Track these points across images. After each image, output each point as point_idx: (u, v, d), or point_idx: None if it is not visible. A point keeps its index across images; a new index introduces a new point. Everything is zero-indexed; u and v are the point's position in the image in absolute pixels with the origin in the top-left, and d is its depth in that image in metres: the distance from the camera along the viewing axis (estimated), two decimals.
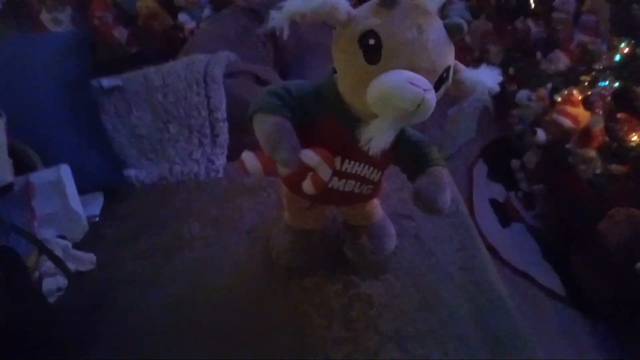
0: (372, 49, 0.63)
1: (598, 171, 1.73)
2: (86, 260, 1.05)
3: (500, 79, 0.71)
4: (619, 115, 1.68)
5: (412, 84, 0.59)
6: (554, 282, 1.74)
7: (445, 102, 0.73)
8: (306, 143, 0.73)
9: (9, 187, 1.09)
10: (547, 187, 1.96)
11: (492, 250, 1.87)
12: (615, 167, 1.68)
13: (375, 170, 0.80)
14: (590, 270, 1.65)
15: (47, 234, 1.08)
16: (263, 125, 0.68)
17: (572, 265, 1.70)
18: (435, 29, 0.65)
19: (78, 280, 0.99)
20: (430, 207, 0.71)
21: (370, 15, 0.65)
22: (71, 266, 1.01)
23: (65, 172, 1.14)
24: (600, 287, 1.61)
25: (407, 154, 0.77)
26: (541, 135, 1.97)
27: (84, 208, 1.15)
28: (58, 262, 0.96)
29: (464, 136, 0.74)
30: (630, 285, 1.53)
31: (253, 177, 0.73)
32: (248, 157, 0.73)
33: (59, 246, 1.04)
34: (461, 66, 0.71)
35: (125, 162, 1.30)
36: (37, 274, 0.97)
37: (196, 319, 0.90)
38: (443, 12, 0.69)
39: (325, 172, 0.73)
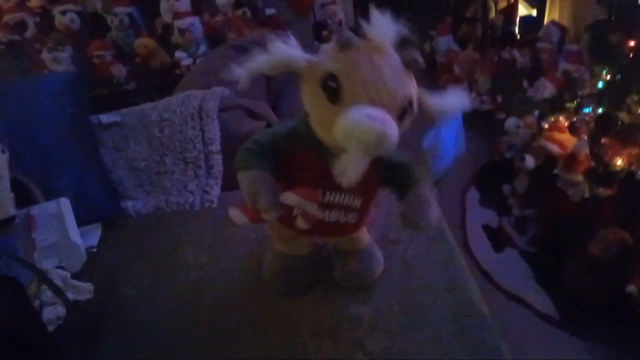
0: (333, 90, 0.68)
1: (586, 195, 1.77)
2: (84, 290, 1.07)
3: (467, 98, 0.76)
4: (603, 140, 1.72)
5: (371, 119, 0.64)
6: (547, 306, 1.75)
7: (420, 130, 0.79)
8: (289, 180, 0.79)
9: (11, 219, 1.12)
10: (538, 211, 2.00)
11: (486, 275, 1.89)
12: (602, 191, 1.72)
13: (357, 198, 0.83)
14: (582, 292, 1.67)
15: (47, 264, 1.11)
16: (242, 181, 0.75)
17: (564, 288, 1.72)
18: (391, 64, 0.70)
19: (76, 309, 1.02)
20: (418, 226, 0.76)
21: (329, 59, 0.70)
22: (70, 296, 1.04)
23: (65, 205, 1.18)
24: (591, 306, 1.63)
25: (390, 176, 0.81)
26: (530, 161, 2.01)
27: (83, 239, 1.18)
28: (58, 291, 0.98)
29: (455, 153, 0.77)
30: (621, 306, 1.55)
31: (242, 224, 0.80)
32: (233, 213, 0.80)
33: (58, 276, 1.07)
34: (426, 94, 0.75)
35: (123, 193, 1.34)
36: (37, 302, 1.00)
37: (190, 339, 0.93)
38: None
39: (312, 208, 0.78)
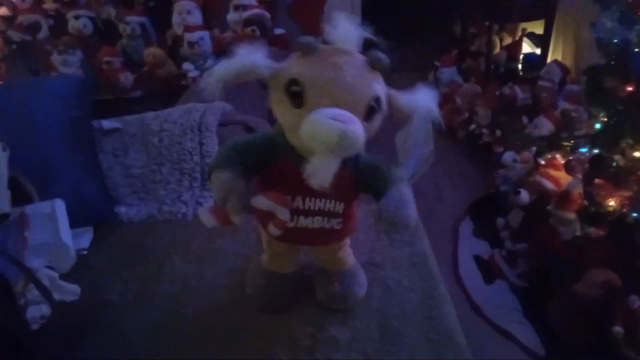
0: (296, 95, 0.70)
1: (577, 233, 1.78)
2: (71, 292, 1.08)
3: (436, 96, 0.78)
4: (596, 181, 1.74)
5: (333, 119, 0.66)
6: (533, 341, 1.75)
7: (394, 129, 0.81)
8: (268, 187, 0.80)
9: (5, 217, 1.14)
10: (530, 246, 2.01)
11: (475, 307, 1.89)
12: (593, 230, 1.73)
13: (338, 203, 0.84)
14: (566, 330, 1.67)
15: (36, 263, 1.12)
16: (214, 182, 0.77)
17: (549, 325, 1.72)
18: (354, 64, 0.72)
19: (61, 310, 1.03)
20: (395, 223, 0.76)
21: (292, 65, 0.73)
22: (56, 296, 1.04)
23: (59, 206, 1.19)
24: (576, 345, 1.63)
25: (367, 180, 0.82)
26: (524, 195, 2.03)
27: (74, 241, 1.19)
28: (44, 291, 0.99)
29: (424, 153, 0.78)
30: (606, 346, 1.55)
31: (211, 227, 0.81)
32: (203, 215, 0.81)
33: (46, 276, 1.08)
34: (396, 93, 0.78)
35: (117, 199, 1.36)
36: (23, 301, 1.00)
37: (170, 349, 0.94)
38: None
39: (282, 213, 0.79)
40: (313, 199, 0.82)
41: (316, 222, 0.85)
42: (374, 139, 0.77)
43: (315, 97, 0.69)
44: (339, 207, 0.85)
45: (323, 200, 0.83)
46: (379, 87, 0.75)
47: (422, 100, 0.77)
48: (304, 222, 0.84)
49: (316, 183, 0.68)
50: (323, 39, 0.75)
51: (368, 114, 0.73)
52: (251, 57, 0.73)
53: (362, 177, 0.82)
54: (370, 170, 0.82)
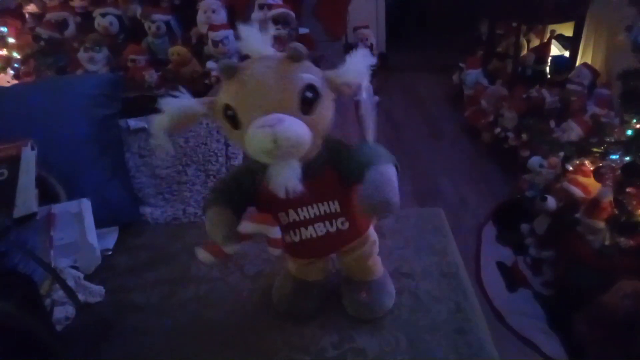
0: (233, 118, 0.70)
1: (606, 242, 1.74)
2: (95, 292, 1.09)
3: (371, 59, 0.74)
4: (628, 189, 1.70)
5: (260, 127, 0.64)
6: (558, 352, 1.71)
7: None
8: (265, 209, 0.81)
9: (32, 215, 1.14)
10: (556, 254, 1.96)
11: (497, 314, 1.86)
12: (624, 240, 1.68)
13: (331, 202, 0.82)
14: (593, 343, 1.63)
15: (62, 263, 1.13)
16: (206, 220, 0.80)
17: (575, 336, 1.68)
18: (270, 66, 0.71)
19: (86, 311, 1.03)
20: (374, 207, 0.70)
21: (222, 92, 0.73)
22: (81, 297, 1.05)
23: (85, 206, 1.20)
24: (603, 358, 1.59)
25: (348, 169, 0.79)
26: (551, 202, 1.99)
27: (99, 241, 1.20)
28: (69, 292, 1.00)
29: (372, 108, 0.76)
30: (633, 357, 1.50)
31: (209, 263, 0.82)
32: (200, 254, 0.82)
33: (71, 276, 1.09)
34: (331, 72, 0.75)
35: (143, 199, 1.36)
36: (49, 301, 1.01)
37: (195, 350, 0.94)
38: None
39: (272, 232, 0.79)
40: (305, 208, 0.81)
41: (319, 230, 0.84)
42: (344, 123, 0.74)
43: (245, 113, 0.69)
44: (335, 206, 0.82)
45: (315, 205, 0.81)
46: (309, 76, 0.71)
47: (359, 66, 0.74)
48: (306, 233, 0.83)
49: (284, 191, 0.67)
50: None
51: (306, 106, 0.70)
52: (179, 102, 0.73)
53: (343, 169, 0.80)
54: (348, 158, 0.79)
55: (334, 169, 0.79)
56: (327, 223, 0.84)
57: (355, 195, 0.79)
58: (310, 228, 0.83)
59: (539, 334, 1.78)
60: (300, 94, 0.69)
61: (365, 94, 0.80)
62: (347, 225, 0.85)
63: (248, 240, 0.79)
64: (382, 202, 0.70)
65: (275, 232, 0.79)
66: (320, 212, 0.82)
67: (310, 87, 0.71)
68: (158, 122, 0.73)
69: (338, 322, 0.95)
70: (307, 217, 0.82)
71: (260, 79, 0.69)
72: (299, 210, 0.81)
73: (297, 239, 0.84)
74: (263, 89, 0.69)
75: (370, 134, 0.85)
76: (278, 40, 2.30)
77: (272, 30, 0.77)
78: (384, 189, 0.71)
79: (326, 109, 0.74)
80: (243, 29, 0.74)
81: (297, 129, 0.66)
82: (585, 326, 1.66)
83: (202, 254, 0.81)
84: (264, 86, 0.69)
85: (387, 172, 0.73)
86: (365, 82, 0.76)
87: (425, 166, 2.77)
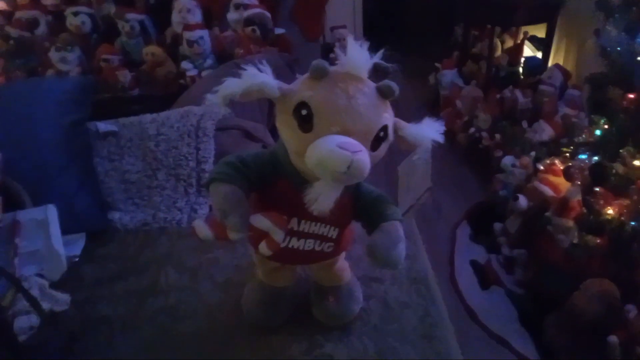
0: (305, 119, 0.69)
1: (575, 241, 1.77)
2: (61, 301, 1.06)
3: (442, 129, 0.77)
4: (595, 189, 1.73)
5: (341, 147, 0.64)
6: (529, 349, 1.74)
7: (395, 158, 0.79)
8: (264, 206, 0.79)
9: None
10: (528, 252, 2.00)
11: (470, 312, 1.88)
12: (592, 239, 1.72)
13: (333, 228, 0.83)
14: (563, 341, 1.66)
15: (27, 271, 1.10)
16: (216, 194, 0.74)
17: (546, 335, 1.71)
18: (365, 93, 0.71)
19: (51, 320, 1.01)
20: (383, 262, 0.75)
21: (302, 88, 0.72)
22: (46, 305, 1.02)
23: (51, 212, 1.18)
24: (572, 356, 1.62)
25: (365, 210, 0.82)
26: (523, 201, 2.01)
27: (66, 248, 1.18)
28: (33, 301, 0.97)
29: (420, 187, 0.79)
30: (603, 358, 1.54)
31: (205, 239, 0.78)
32: (198, 225, 0.78)
33: (36, 284, 1.06)
34: (403, 123, 0.77)
35: (112, 205, 1.34)
36: (10, 311, 0.99)
37: None
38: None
39: (277, 235, 0.78)
40: (308, 222, 0.81)
41: (308, 245, 0.84)
42: (376, 165, 0.75)
43: (324, 123, 0.68)
44: (333, 233, 0.84)
45: (318, 224, 0.82)
46: (388, 117, 0.74)
47: (428, 132, 0.76)
48: (296, 243, 0.83)
49: (317, 209, 0.67)
50: (333, 62, 0.74)
51: (375, 143, 0.71)
52: (259, 77, 0.72)
53: (360, 206, 0.81)
54: (369, 201, 0.81)
55: (351, 200, 0.80)
56: (317, 242, 0.84)
57: (350, 232, 0.86)
58: (302, 240, 0.83)
59: (511, 332, 1.81)
60: (377, 131, 0.71)
61: (418, 163, 0.79)
62: (331, 249, 0.87)
63: (251, 233, 0.76)
64: (394, 261, 0.74)
65: (279, 236, 0.78)
66: (318, 231, 0.83)
67: (385, 128, 0.72)
68: (232, 88, 0.71)
69: (307, 329, 0.95)
70: (305, 230, 0.82)
71: (352, 99, 0.69)
72: (302, 222, 0.81)
73: (283, 245, 0.82)
74: (351, 110, 0.68)
75: (402, 202, 0.85)
76: (253, 40, 2.29)
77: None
78: (397, 249, 0.74)
79: (384, 150, 0.75)
80: (353, 43, 0.73)
81: (368, 164, 0.67)
82: (555, 326, 1.69)
83: (203, 230, 0.78)
84: (353, 108, 0.69)
85: (400, 232, 0.77)
86: (426, 147, 0.77)
87: (388, 169, 2.78)
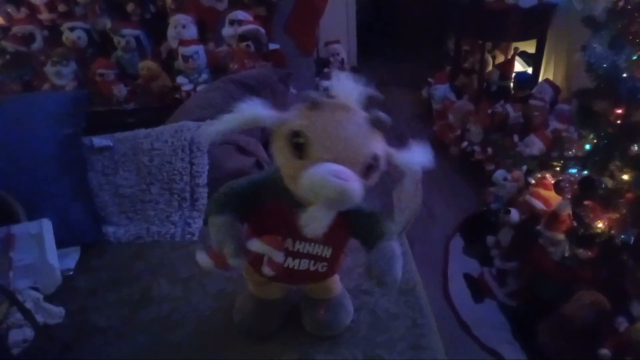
0: (299, 147, 0.72)
1: (566, 254, 1.79)
2: (55, 314, 1.07)
3: (430, 155, 0.80)
4: (585, 202, 1.75)
5: (334, 175, 0.67)
6: None
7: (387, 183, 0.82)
8: (260, 228, 0.82)
9: None
10: (520, 265, 2.01)
11: (463, 325, 1.89)
12: (582, 252, 1.73)
13: (326, 248, 0.86)
14: (555, 347, 1.67)
15: (21, 284, 1.11)
16: (212, 226, 0.80)
17: (539, 347, 1.73)
18: (357, 122, 0.74)
19: (45, 333, 1.02)
20: (381, 282, 0.78)
21: (297, 117, 0.74)
22: (40, 318, 1.03)
23: (46, 226, 1.19)
24: None
25: (360, 228, 0.84)
26: (515, 215, 2.04)
27: (60, 261, 1.19)
28: (27, 314, 0.98)
29: (412, 210, 0.81)
30: None
31: (208, 269, 0.83)
32: (200, 257, 0.83)
33: (30, 297, 1.07)
34: (393, 151, 0.79)
35: (105, 218, 1.35)
36: (4, 325, 0.99)
37: None
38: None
39: (277, 256, 0.81)
40: (303, 243, 0.84)
41: (302, 265, 0.87)
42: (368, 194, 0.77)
43: (317, 150, 0.70)
44: (327, 252, 0.86)
45: (313, 244, 0.84)
46: (379, 146, 0.76)
47: (418, 158, 0.79)
48: (291, 263, 0.86)
49: (310, 232, 0.69)
50: (326, 93, 0.77)
51: (366, 172, 0.74)
52: (253, 110, 0.75)
53: (355, 225, 0.84)
54: (364, 220, 0.83)
55: (344, 220, 0.81)
56: (312, 262, 0.87)
57: (341, 253, 0.89)
58: (296, 260, 0.86)
59: (504, 344, 1.81)
60: (369, 160, 0.73)
61: (408, 186, 0.81)
62: (325, 269, 0.89)
63: (249, 258, 0.80)
64: (392, 281, 0.78)
65: (279, 257, 0.81)
66: (312, 251, 0.85)
67: (376, 157, 0.74)
68: (228, 123, 0.75)
69: (298, 340, 0.97)
70: (300, 251, 0.85)
71: (344, 128, 0.72)
72: (297, 242, 0.84)
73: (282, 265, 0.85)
74: (343, 139, 0.71)
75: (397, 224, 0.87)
76: (247, 55, 2.33)
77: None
78: (395, 267, 0.78)
79: (375, 179, 0.77)
80: (341, 75, 0.77)
81: (360, 192, 0.69)
82: (547, 336, 1.71)
83: (204, 260, 0.82)
84: (345, 136, 0.71)
85: (397, 249, 0.80)
86: (417, 174, 0.80)
87: (382, 196, 2.80)
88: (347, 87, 0.76)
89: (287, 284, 0.98)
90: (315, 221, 0.69)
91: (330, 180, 0.66)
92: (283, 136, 0.74)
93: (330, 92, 0.76)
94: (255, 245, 0.79)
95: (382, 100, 0.78)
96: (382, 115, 0.75)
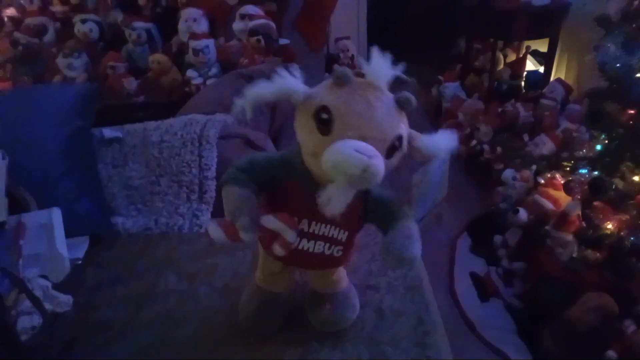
0: (325, 122, 0.71)
1: (574, 255, 1.78)
2: (63, 302, 1.08)
3: (456, 140, 0.79)
4: (595, 203, 1.74)
5: (358, 151, 0.67)
6: None
7: (410, 168, 0.82)
8: (275, 207, 0.81)
9: (1, 225, 1.14)
10: (527, 265, 2.00)
11: (469, 324, 1.89)
12: (591, 253, 1.72)
13: (343, 231, 0.85)
14: (560, 352, 1.66)
15: (30, 272, 1.12)
16: (227, 196, 0.78)
17: (544, 349, 1.72)
18: (384, 102, 0.73)
19: (53, 321, 1.03)
20: (400, 258, 0.77)
21: (324, 92, 0.74)
22: (48, 306, 1.04)
23: (56, 215, 1.20)
24: None
25: (377, 212, 0.84)
26: (523, 214, 2.03)
27: (69, 251, 1.20)
28: (36, 302, 1.00)
29: (437, 196, 0.80)
30: None
31: (219, 243, 0.81)
32: (211, 227, 0.81)
33: (39, 286, 1.08)
34: (417, 134, 0.79)
35: (114, 210, 1.36)
36: (14, 312, 1.00)
37: None
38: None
39: (289, 235, 0.79)
40: (319, 224, 0.83)
41: (318, 247, 0.86)
42: (389, 175, 0.77)
43: (343, 127, 0.70)
44: (343, 236, 0.86)
45: (329, 226, 0.84)
46: (403, 127, 0.76)
47: (442, 143, 0.79)
48: (306, 245, 0.85)
49: (329, 211, 0.69)
50: (357, 72, 0.76)
51: (389, 152, 0.74)
52: (290, 82, 0.75)
53: (371, 208, 0.83)
54: (380, 203, 0.83)
55: (361, 204, 0.81)
56: (327, 245, 0.86)
57: (355, 238, 0.88)
58: (311, 242, 0.85)
59: (509, 344, 1.81)
60: (393, 140, 0.73)
61: (433, 173, 0.80)
62: (340, 254, 0.89)
63: (261, 234, 0.79)
64: (410, 258, 0.77)
65: (292, 236, 0.79)
66: (328, 233, 0.85)
67: (400, 138, 0.74)
68: (259, 93, 0.74)
69: (302, 335, 0.96)
70: (316, 232, 0.84)
71: (371, 107, 0.71)
72: (313, 223, 0.83)
73: (294, 246, 0.84)
74: (370, 117, 0.71)
75: (417, 211, 0.86)
76: (257, 50, 2.33)
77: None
78: (413, 246, 0.77)
79: (397, 160, 0.77)
80: (378, 53, 0.76)
81: (382, 170, 0.69)
82: (552, 340, 1.70)
83: (216, 231, 0.80)
84: (372, 115, 0.71)
85: (414, 230, 0.79)
86: (443, 158, 0.80)
87: (402, 178, 2.80)
88: (377, 67, 0.75)
89: (297, 266, 0.97)
90: (335, 199, 0.68)
91: (355, 156, 0.66)
92: (309, 111, 0.73)
93: (360, 70, 0.75)
94: (270, 221, 0.78)
95: (410, 83, 0.78)
96: (409, 96, 0.75)
